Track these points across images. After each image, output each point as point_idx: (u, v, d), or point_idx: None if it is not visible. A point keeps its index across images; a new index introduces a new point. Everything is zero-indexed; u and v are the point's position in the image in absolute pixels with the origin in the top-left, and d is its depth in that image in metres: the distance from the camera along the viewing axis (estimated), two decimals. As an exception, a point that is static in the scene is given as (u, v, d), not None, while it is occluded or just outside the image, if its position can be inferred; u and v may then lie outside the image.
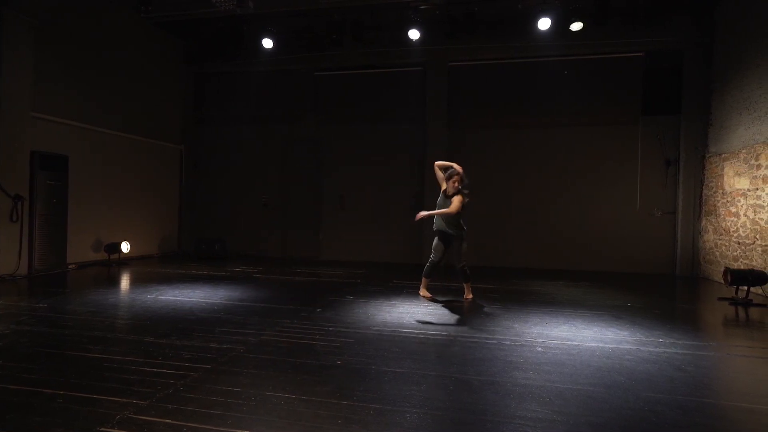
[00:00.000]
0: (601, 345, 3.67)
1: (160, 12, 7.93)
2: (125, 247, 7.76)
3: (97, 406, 2.42)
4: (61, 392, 2.59)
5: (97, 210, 7.83)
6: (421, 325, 4.22)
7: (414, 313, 4.72)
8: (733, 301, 5.47)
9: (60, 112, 7.12)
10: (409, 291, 5.92)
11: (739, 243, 6.64)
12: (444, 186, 5.29)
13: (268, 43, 8.74)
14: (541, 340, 3.77)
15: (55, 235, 6.85)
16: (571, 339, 3.83)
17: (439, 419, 2.36)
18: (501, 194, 8.77)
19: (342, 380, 2.84)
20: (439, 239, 5.30)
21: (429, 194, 8.85)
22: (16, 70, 6.25)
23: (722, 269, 5.82)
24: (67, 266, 7.11)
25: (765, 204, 6.09)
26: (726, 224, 7.01)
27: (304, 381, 2.82)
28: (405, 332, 3.99)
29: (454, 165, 5.29)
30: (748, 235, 6.43)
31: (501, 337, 3.84)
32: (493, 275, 7.49)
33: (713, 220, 7.40)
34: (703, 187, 7.77)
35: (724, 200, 7.08)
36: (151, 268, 7.57)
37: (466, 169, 9.25)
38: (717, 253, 7.25)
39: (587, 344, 3.69)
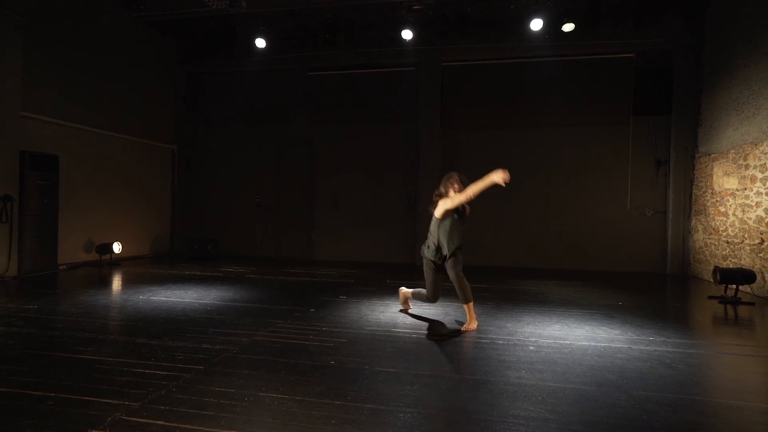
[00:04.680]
0: (593, 344, 3.70)
1: (152, 11, 7.88)
2: (117, 247, 7.70)
3: (88, 408, 2.40)
4: (52, 394, 2.56)
5: (88, 210, 7.76)
6: (415, 325, 4.22)
7: (407, 312, 4.72)
8: (723, 300, 5.54)
9: (50, 111, 7.05)
10: (403, 291, 5.92)
11: (728, 242, 6.72)
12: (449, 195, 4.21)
13: (261, 42, 8.72)
14: (533, 339, 3.80)
15: (45, 235, 6.78)
16: (564, 338, 3.85)
17: (432, 419, 2.36)
18: (493, 194, 8.75)
19: (335, 380, 2.84)
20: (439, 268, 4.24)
21: (422, 194, 8.87)
22: (5, 69, 6.17)
23: (712, 268, 5.89)
24: (58, 267, 7.04)
25: (753, 204, 6.17)
26: (715, 223, 7.09)
27: (298, 381, 2.81)
28: (398, 332, 3.99)
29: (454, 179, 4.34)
30: (736, 234, 6.51)
31: (494, 337, 3.86)
32: (486, 274, 7.52)
33: (703, 220, 7.48)
34: (693, 186, 7.86)
35: (714, 200, 7.16)
36: (143, 269, 7.51)
37: (460, 168, 9.26)
38: (706, 252, 7.33)
39: (579, 343, 3.71)
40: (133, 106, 8.77)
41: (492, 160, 8.87)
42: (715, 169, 7.17)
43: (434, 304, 5.09)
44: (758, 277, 5.80)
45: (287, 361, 3.17)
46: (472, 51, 8.69)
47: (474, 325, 4.12)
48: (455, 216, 4.21)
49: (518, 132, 8.75)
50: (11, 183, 6.29)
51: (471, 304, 4.13)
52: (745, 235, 6.31)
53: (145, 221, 9.11)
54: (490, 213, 8.79)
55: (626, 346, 3.66)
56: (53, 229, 6.94)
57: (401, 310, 4.81)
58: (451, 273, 4.12)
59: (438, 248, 4.16)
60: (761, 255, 5.94)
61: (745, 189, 6.35)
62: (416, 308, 4.91)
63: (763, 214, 5.95)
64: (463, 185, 4.25)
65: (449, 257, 4.14)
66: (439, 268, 4.23)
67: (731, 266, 6.44)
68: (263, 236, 9.74)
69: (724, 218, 6.84)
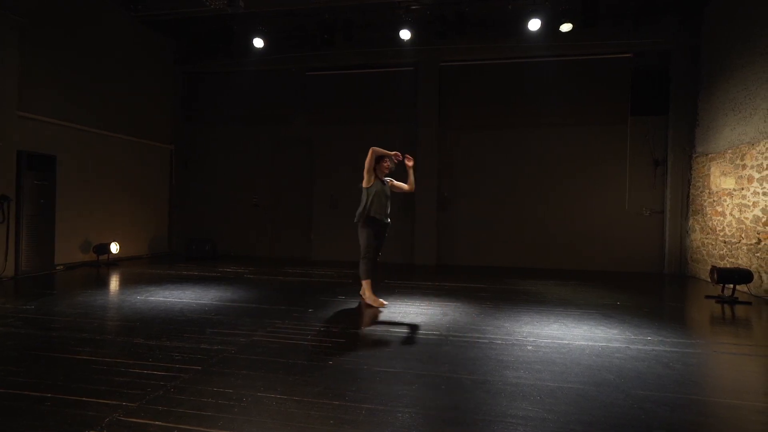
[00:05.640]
0: (590, 343, 3.71)
1: (150, 11, 7.87)
2: (114, 247, 7.68)
3: (85, 409, 2.39)
4: (49, 395, 2.56)
5: (85, 210, 7.74)
6: (413, 325, 4.22)
7: (406, 312, 4.73)
8: (720, 299, 5.56)
9: (47, 111, 7.03)
10: (401, 291, 5.93)
11: (725, 242, 6.74)
12: (375, 171, 5.01)
13: (259, 42, 8.71)
14: (531, 339, 3.80)
15: (42, 235, 6.76)
16: (562, 338, 3.86)
17: (430, 419, 2.36)
18: (492, 194, 8.82)
19: (334, 380, 2.84)
20: (377, 232, 5.01)
21: (421, 194, 8.88)
22: (4, 69, 6.16)
23: (709, 268, 5.90)
24: (55, 267, 7.02)
25: (750, 203, 6.19)
26: (713, 223, 7.11)
27: (296, 381, 2.81)
28: (397, 332, 3.99)
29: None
30: (734, 234, 6.53)
31: (492, 336, 3.86)
32: (485, 274, 7.53)
33: (700, 220, 7.50)
34: (691, 186, 7.88)
35: (711, 200, 7.18)
36: (141, 269, 7.50)
37: (458, 168, 9.31)
38: (704, 252, 7.35)
39: (577, 343, 3.72)
40: (132, 106, 8.75)
41: (490, 160, 8.92)
42: (712, 169, 7.19)
43: (431, 305, 5.10)
44: (755, 277, 5.83)
45: (285, 362, 3.16)
46: (470, 51, 8.70)
47: (374, 300, 4.95)
48: (379, 183, 5.01)
49: (517, 132, 8.76)
50: (8, 183, 6.27)
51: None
52: (743, 235, 6.32)
53: (143, 221, 9.09)
54: (489, 213, 8.81)
55: (624, 345, 3.67)
56: (50, 229, 6.93)
57: (371, 306, 4.92)
58: (380, 242, 5.05)
59: (368, 209, 4.89)
60: (758, 255, 5.96)
61: (742, 189, 6.37)
62: (414, 308, 4.91)
63: (760, 214, 5.97)
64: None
65: (387, 225, 5.05)
66: (376, 231, 4.95)
67: (728, 266, 6.46)
68: (262, 236, 9.72)
69: (722, 218, 6.86)
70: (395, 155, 5.03)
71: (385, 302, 5.01)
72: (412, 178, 5.17)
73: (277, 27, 8.80)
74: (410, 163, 5.08)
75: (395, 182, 5.19)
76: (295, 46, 9.11)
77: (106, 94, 8.15)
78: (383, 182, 5.07)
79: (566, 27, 7.74)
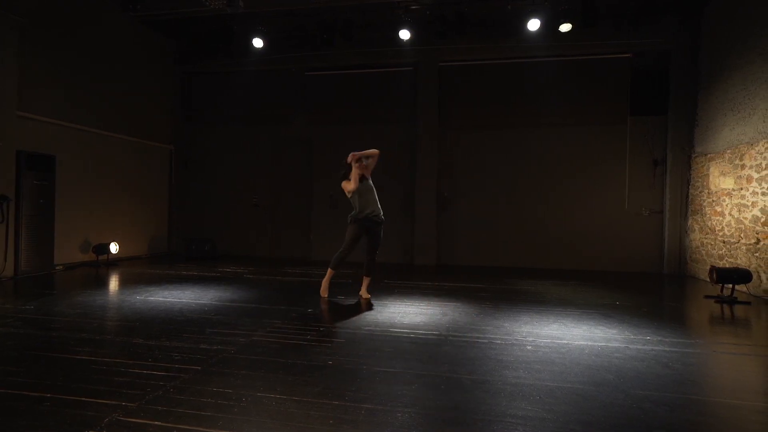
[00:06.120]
0: (590, 343, 3.71)
1: (150, 11, 7.85)
2: (114, 247, 7.69)
3: (85, 409, 2.39)
4: (49, 395, 2.56)
5: (85, 210, 7.74)
6: (413, 325, 4.23)
7: (405, 312, 4.73)
8: (719, 299, 5.56)
9: (47, 111, 7.03)
10: (401, 291, 5.93)
11: (724, 242, 6.74)
12: (359, 171, 5.03)
13: (258, 42, 8.71)
14: (531, 339, 3.80)
15: (42, 236, 6.76)
16: (561, 337, 3.86)
17: (430, 418, 2.36)
18: (491, 194, 8.82)
19: (333, 380, 2.84)
20: (369, 230, 5.17)
21: (420, 194, 8.89)
22: (4, 69, 6.15)
23: (708, 268, 5.91)
24: (55, 267, 7.02)
25: (749, 203, 6.19)
26: (712, 223, 7.11)
27: (295, 381, 2.81)
28: (396, 332, 3.99)
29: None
30: (733, 234, 6.54)
31: (492, 336, 3.87)
32: (484, 274, 7.53)
33: (699, 220, 7.51)
34: (690, 186, 7.88)
35: (710, 200, 7.19)
36: (141, 269, 7.50)
37: (457, 168, 9.30)
38: (703, 252, 7.35)
39: (576, 343, 3.72)
40: (132, 106, 8.75)
41: (490, 160, 8.92)
42: (711, 169, 7.20)
43: (431, 305, 5.10)
44: (754, 277, 5.83)
45: (285, 362, 3.17)
46: (470, 51, 8.70)
47: (323, 289, 5.42)
48: (361, 184, 5.10)
49: (516, 132, 8.76)
50: (7, 183, 6.26)
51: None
52: (741, 235, 6.33)
53: (142, 221, 9.09)
54: (489, 213, 8.81)
55: (623, 345, 3.67)
56: (50, 229, 6.92)
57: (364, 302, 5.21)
58: (376, 240, 5.27)
59: (362, 212, 5.08)
60: (757, 254, 5.96)
61: (741, 189, 6.37)
62: (413, 308, 4.91)
63: (759, 214, 5.98)
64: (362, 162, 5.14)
65: (381, 222, 5.22)
66: (366, 230, 5.17)
67: (727, 266, 6.47)
68: (262, 236, 9.72)
69: (721, 218, 6.86)
70: (352, 159, 5.02)
71: (326, 296, 5.38)
72: (366, 151, 5.09)
73: (277, 27, 8.80)
74: (353, 159, 5.00)
75: (364, 165, 5.17)
76: (295, 46, 9.11)
77: (106, 94, 8.15)
78: (363, 178, 5.15)
79: (566, 27, 7.74)
